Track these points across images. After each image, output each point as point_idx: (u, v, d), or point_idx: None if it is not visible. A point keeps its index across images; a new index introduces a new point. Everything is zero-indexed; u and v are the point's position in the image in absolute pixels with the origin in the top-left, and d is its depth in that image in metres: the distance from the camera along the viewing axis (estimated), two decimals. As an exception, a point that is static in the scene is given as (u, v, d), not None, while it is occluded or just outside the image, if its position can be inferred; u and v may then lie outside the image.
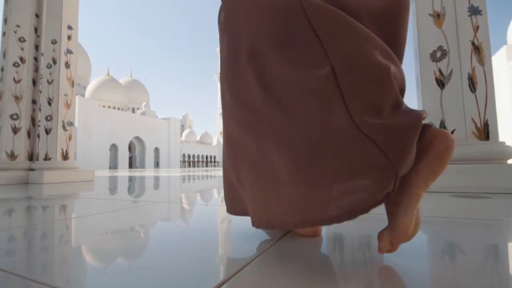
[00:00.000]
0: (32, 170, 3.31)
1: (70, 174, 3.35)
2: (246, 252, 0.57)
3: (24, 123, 3.40)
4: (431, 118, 1.78)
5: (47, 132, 3.33)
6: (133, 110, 43.62)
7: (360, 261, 0.54)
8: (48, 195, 1.91)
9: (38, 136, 3.38)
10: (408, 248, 0.61)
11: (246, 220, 0.88)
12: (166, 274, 0.47)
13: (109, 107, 37.67)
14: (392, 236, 0.48)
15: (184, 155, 46.63)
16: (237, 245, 0.64)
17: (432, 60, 1.82)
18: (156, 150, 39.72)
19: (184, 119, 53.41)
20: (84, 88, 40.67)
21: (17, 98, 3.39)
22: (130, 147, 37.27)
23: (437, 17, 1.87)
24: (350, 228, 0.79)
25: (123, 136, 34.44)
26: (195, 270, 0.48)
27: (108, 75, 42.37)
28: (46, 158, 3.30)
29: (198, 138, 50.82)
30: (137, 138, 36.93)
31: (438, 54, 1.81)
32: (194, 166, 44.97)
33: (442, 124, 1.75)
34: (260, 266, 0.49)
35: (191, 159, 48.25)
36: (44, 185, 2.85)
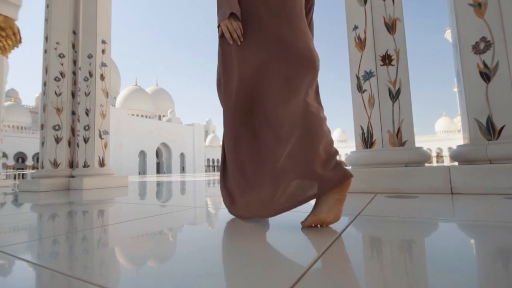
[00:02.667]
0: (73, 177, 3.53)
1: (107, 180, 3.52)
2: (300, 256, 0.55)
3: (65, 133, 3.65)
4: (477, 114, 1.65)
5: (86, 141, 3.54)
6: (159, 118, 45.32)
7: (401, 266, 0.50)
8: (89, 200, 2.02)
9: (78, 145, 3.60)
10: (458, 255, 0.56)
11: (277, 222, 0.86)
12: (221, 279, 0.46)
13: (137, 115, 39.45)
14: (314, 220, 0.80)
15: (208, 159, 47.53)
16: (288, 249, 0.62)
17: (475, 53, 1.69)
18: (182, 155, 40.87)
19: (207, 124, 54.54)
20: (115, 98, 42.97)
21: (58, 110, 3.64)
22: (158, 153, 38.69)
23: (478, 6, 1.74)
24: (390, 232, 0.75)
25: (150, 142, 35.85)
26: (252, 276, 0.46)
27: (136, 85, 44.48)
28: (85, 165, 3.51)
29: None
30: (164, 144, 38.25)
31: (482, 46, 1.68)
32: (219, 171, 45.56)
33: (490, 120, 1.62)
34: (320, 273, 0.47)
35: (216, 163, 49.05)
36: (84, 190, 3.02)
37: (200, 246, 0.69)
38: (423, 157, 1.77)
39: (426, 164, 1.88)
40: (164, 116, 45.59)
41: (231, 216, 1.05)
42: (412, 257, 0.58)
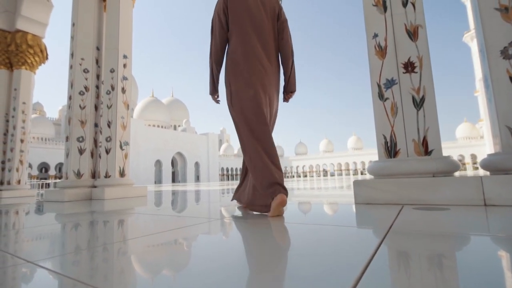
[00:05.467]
0: (95, 187, 3.63)
1: (127, 190, 3.60)
2: (340, 276, 0.53)
3: (88, 145, 3.78)
4: (508, 121, 1.57)
5: (107, 152, 3.65)
6: (175, 127, 46.21)
7: (431, 282, 0.46)
8: (110, 210, 2.06)
9: (99, 156, 3.72)
10: (492, 268, 0.52)
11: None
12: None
13: (154, 125, 40.42)
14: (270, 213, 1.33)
15: (222, 168, 47.76)
16: (322, 268, 0.60)
17: (504, 58, 1.63)
18: (196, 164, 41.30)
19: (221, 134, 55.05)
20: (132, 109, 44.32)
21: (82, 123, 3.79)
22: (173, 163, 39.31)
23: (505, 10, 1.68)
24: (427, 248, 0.71)
25: (166, 152, 36.52)
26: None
27: (153, 96, 45.76)
28: (107, 176, 3.60)
29: (235, 152, 51.82)
30: (179, 153, 38.85)
31: (511, 51, 1.61)
32: (233, 179, 45.75)
33: (523, 128, 1.53)
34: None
35: (229, 172, 49.19)
36: (105, 200, 3.09)
37: (225, 261, 0.68)
38: (452, 166, 1.69)
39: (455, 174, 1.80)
40: (179, 126, 46.48)
41: (248, 227, 1.04)
42: (448, 276, 0.54)
